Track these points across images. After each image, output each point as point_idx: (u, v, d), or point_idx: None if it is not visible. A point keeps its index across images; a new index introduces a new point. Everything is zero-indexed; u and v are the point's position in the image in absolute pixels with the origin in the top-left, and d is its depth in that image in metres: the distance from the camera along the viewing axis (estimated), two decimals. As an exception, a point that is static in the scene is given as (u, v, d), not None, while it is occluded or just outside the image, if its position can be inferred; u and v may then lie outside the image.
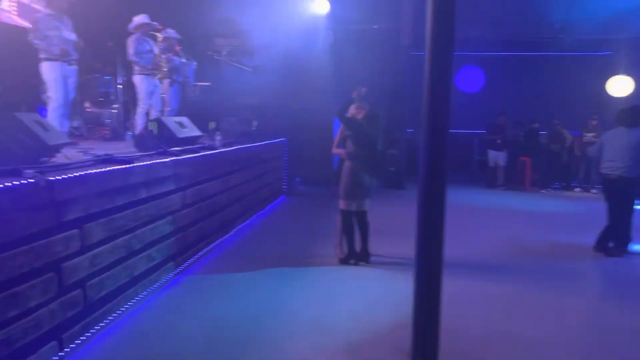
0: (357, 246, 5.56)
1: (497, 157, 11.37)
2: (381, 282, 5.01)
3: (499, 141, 11.29)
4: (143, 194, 4.30)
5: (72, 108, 7.24)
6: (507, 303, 4.56)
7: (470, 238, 6.74)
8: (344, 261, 5.52)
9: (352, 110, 5.51)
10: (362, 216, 5.51)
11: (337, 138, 5.76)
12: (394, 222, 7.26)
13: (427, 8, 2.95)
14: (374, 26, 11.24)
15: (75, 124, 7.65)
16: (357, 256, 5.54)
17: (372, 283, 5.00)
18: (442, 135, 2.96)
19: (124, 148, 5.75)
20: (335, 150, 5.78)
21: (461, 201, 9.23)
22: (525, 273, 5.43)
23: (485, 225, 7.80)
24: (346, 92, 8.61)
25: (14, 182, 2.82)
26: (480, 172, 12.37)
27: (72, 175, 3.31)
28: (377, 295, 4.65)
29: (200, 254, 5.57)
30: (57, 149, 3.84)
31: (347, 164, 5.48)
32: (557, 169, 11.31)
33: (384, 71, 10.95)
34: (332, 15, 10.44)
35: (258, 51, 9.76)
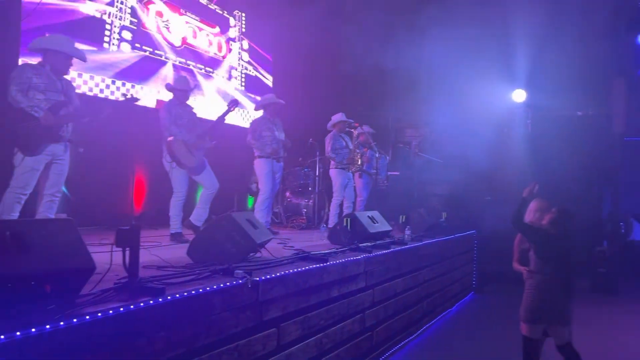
0: None
1: None
2: None
3: None
4: (335, 292, 4.34)
5: (274, 197, 7.96)
6: None
7: None
8: None
9: (530, 214, 4.44)
10: (566, 350, 4.12)
11: (515, 249, 4.68)
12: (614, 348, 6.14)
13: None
14: (578, 113, 10.39)
15: (276, 211, 8.35)
16: None
17: None
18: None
19: (318, 240, 6.02)
20: (517, 267, 4.60)
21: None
22: None
23: None
24: (547, 181, 7.94)
25: (226, 283, 3.05)
26: None
27: (273, 276, 3.48)
28: None
29: (386, 354, 5.37)
30: (262, 245, 4.12)
31: (531, 281, 4.25)
32: None
33: (590, 159, 9.93)
34: (530, 104, 9.98)
35: (447, 142, 9.70)
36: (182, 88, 5.75)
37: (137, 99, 5.03)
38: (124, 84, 7.24)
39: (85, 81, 6.75)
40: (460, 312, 7.75)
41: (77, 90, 6.30)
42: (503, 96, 10.10)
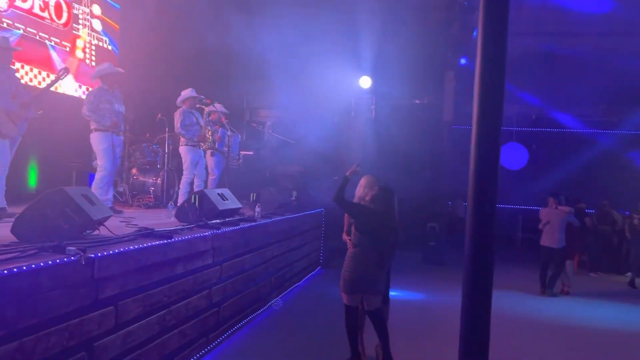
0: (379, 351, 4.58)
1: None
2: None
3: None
4: (180, 268, 4.28)
5: (118, 175, 7.50)
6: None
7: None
8: None
9: (361, 189, 4.70)
10: (374, 315, 4.48)
11: (345, 222, 4.94)
12: (437, 308, 6.94)
13: (475, 82, 2.90)
14: (416, 101, 11.40)
15: (121, 189, 7.88)
16: None
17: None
18: (489, 213, 2.82)
19: (165, 218, 5.83)
20: (345, 237, 4.87)
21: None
22: None
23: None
24: (388, 164, 8.56)
25: (56, 260, 2.84)
26: (524, 249, 11.95)
27: (111, 252, 3.33)
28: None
29: (233, 329, 5.44)
30: (101, 222, 3.89)
31: (349, 253, 4.54)
32: (607, 251, 10.79)
33: (424, 144, 11.00)
34: (375, 90, 10.68)
35: (299, 124, 10.00)
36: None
37: None
38: None
39: None
40: (307, 287, 8.10)
41: None
42: (351, 82, 10.67)
